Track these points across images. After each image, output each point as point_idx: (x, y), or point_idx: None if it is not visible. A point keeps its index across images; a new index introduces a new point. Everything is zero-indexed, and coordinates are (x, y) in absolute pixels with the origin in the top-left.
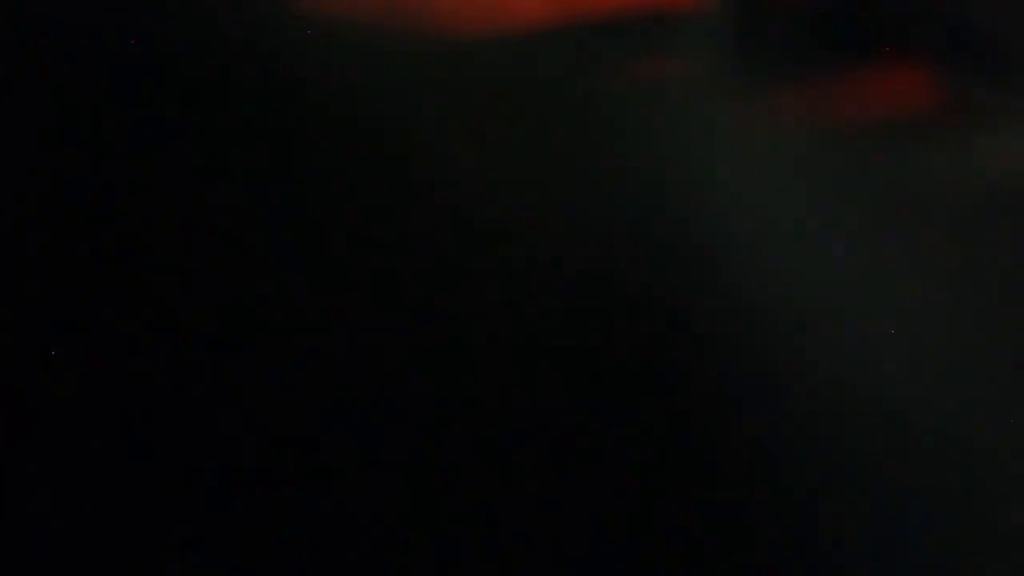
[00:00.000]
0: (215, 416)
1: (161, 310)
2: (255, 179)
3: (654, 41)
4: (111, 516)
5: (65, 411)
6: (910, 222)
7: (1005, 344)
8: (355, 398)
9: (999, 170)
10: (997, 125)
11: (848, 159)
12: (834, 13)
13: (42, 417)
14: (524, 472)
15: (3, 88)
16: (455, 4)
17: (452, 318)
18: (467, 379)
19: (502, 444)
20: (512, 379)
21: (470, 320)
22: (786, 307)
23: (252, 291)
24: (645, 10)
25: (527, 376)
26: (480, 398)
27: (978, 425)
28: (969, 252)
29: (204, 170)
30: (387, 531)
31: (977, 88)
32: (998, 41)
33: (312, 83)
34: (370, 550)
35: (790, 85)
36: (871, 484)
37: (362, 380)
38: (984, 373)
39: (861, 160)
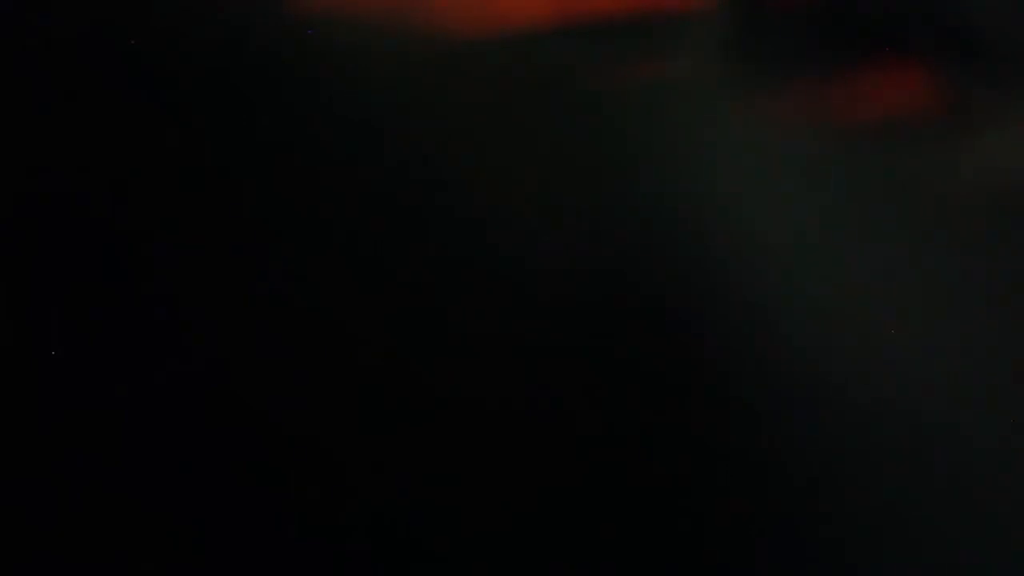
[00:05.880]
0: (216, 416)
1: (161, 310)
2: (255, 179)
3: (654, 41)
4: (111, 516)
5: (65, 411)
6: (910, 221)
7: (1006, 343)
8: (360, 399)
9: (999, 170)
10: (997, 125)
11: (848, 159)
12: (834, 13)
13: (42, 417)
14: (526, 471)
15: (3, 88)
16: (455, 4)
17: (453, 318)
18: (472, 379)
19: (507, 444)
20: (516, 379)
21: (472, 320)
22: (787, 306)
23: (252, 291)
24: (645, 10)
25: (530, 376)
26: (485, 397)
27: (978, 425)
28: (969, 251)
29: (204, 170)
30: (387, 532)
31: (977, 88)
32: (998, 41)
33: (312, 83)
34: (371, 551)
35: (790, 85)
36: (872, 482)
37: (365, 381)
38: (984, 373)
39: (861, 160)
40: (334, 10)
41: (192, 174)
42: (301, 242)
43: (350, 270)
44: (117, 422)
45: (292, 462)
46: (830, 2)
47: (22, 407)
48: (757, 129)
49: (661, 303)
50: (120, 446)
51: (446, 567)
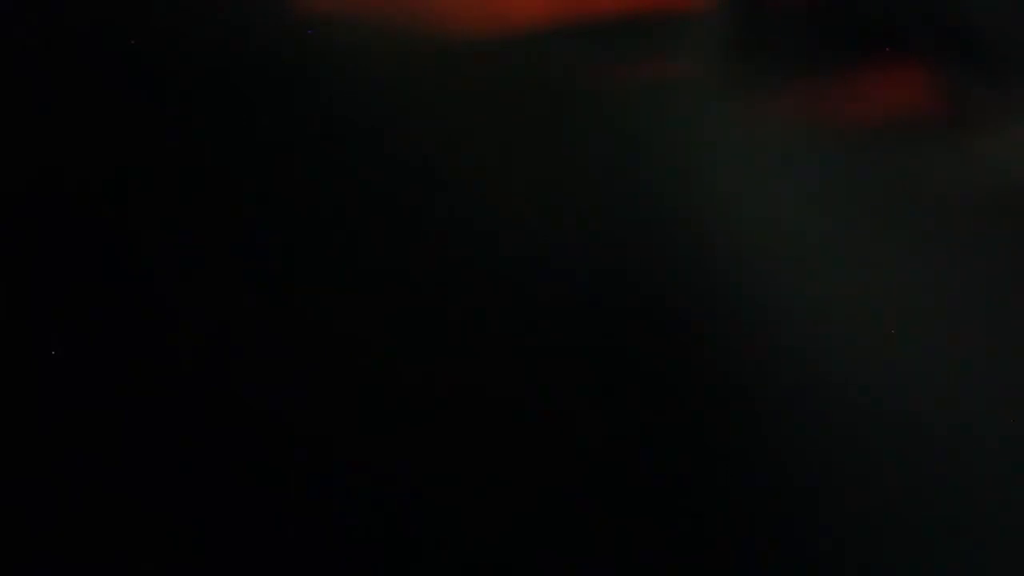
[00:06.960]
0: (216, 416)
1: (161, 310)
2: (255, 179)
3: (654, 41)
4: (111, 515)
5: (65, 411)
6: (910, 221)
7: (1006, 344)
8: (360, 399)
9: (999, 170)
10: (997, 125)
11: (848, 159)
12: (834, 13)
13: (42, 417)
14: (526, 471)
15: (3, 88)
16: (455, 4)
17: (453, 318)
18: (472, 379)
19: (507, 443)
20: (516, 379)
21: (472, 320)
22: (787, 306)
23: (252, 292)
24: (645, 10)
25: (530, 376)
26: (485, 398)
27: (979, 425)
28: (969, 251)
29: (204, 170)
30: (386, 531)
31: (977, 88)
32: (998, 41)
33: (312, 83)
34: (371, 551)
35: (790, 85)
36: (873, 483)
37: (365, 381)
38: (985, 373)
39: (861, 160)
40: (334, 10)
41: (192, 174)
42: (301, 242)
43: (350, 270)
44: (117, 422)
45: (292, 462)
46: (830, 2)
47: (22, 407)
48: (757, 129)
49: (661, 303)
50: (120, 446)
51: (446, 567)
